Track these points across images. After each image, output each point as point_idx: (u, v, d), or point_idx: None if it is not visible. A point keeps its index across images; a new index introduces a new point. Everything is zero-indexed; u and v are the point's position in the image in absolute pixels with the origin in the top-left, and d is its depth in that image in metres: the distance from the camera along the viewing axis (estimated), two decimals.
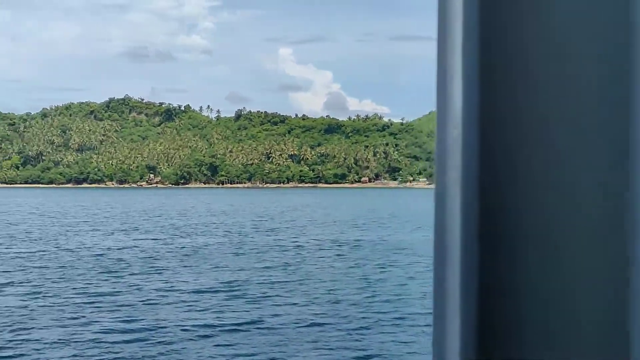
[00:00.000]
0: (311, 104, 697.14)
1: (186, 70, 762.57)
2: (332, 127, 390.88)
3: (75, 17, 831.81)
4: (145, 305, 24.72)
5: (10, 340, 19.32)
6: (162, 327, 21.18)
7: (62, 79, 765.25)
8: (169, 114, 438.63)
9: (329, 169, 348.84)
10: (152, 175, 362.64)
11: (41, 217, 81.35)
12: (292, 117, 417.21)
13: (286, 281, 30.49)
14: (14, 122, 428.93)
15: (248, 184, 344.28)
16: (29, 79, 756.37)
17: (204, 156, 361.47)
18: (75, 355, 17.88)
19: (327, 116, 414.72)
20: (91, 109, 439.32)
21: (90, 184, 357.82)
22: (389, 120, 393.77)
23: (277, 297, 26.75)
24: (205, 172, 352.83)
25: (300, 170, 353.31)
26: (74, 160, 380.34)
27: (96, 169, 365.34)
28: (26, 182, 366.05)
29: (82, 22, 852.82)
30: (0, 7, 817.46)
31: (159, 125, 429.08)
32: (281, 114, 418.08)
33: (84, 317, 22.70)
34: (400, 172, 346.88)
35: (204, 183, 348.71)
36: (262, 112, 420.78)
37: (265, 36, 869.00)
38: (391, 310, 23.96)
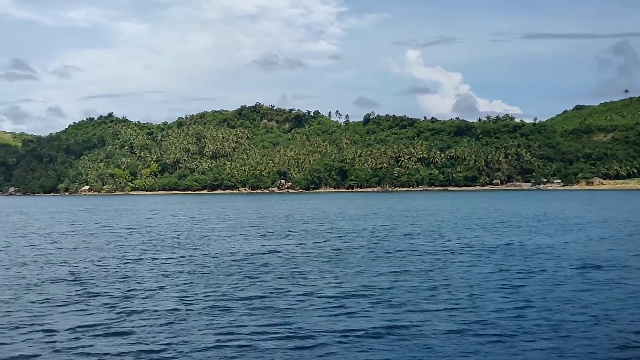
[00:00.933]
0: (440, 106, 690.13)
1: (315, 76, 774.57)
2: (461, 129, 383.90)
3: (210, 29, 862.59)
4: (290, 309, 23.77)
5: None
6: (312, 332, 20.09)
7: (196, 88, 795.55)
8: (298, 119, 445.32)
9: (459, 172, 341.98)
10: (283, 181, 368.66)
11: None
12: (421, 119, 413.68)
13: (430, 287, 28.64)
14: (152, 131, 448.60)
15: (377, 188, 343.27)
16: (166, 90, 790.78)
17: (334, 161, 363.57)
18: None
19: (456, 118, 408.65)
20: (224, 117, 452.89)
21: (224, 190, 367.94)
22: (521, 120, 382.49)
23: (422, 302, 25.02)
24: (335, 176, 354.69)
25: (430, 173, 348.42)
26: (208, 167, 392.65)
27: (229, 175, 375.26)
28: (164, 189, 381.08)
29: (216, 33, 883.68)
30: (139, 21, 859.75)
31: (289, 131, 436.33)
32: (410, 117, 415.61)
33: (235, 320, 21.91)
34: (533, 173, 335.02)
35: (334, 187, 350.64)
36: (390, 116, 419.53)
37: (393, 39, 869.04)
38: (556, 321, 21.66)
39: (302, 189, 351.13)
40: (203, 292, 27.57)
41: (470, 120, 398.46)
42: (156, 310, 23.65)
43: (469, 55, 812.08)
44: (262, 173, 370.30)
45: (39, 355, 17.93)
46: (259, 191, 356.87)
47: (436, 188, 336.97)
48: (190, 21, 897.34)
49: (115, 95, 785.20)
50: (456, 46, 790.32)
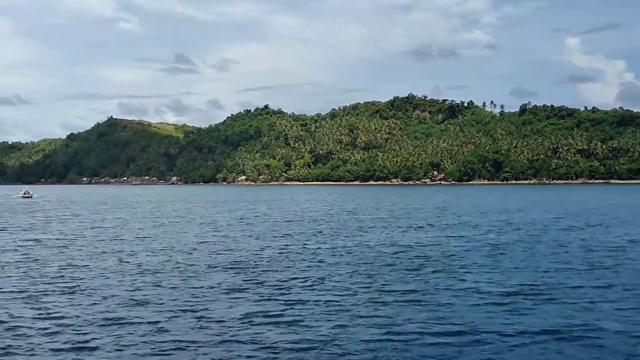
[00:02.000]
0: (601, 96, 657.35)
1: (469, 66, 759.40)
2: (625, 119, 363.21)
3: (363, 20, 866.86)
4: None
5: None
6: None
7: (349, 80, 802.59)
8: (452, 110, 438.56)
9: (623, 164, 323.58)
10: (435, 172, 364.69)
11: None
12: (581, 109, 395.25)
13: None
14: (306, 123, 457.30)
15: (534, 181, 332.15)
16: (320, 82, 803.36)
17: (488, 152, 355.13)
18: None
19: (619, 108, 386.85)
20: (376, 108, 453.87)
21: (375, 181, 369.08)
22: None
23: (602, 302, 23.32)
24: (489, 168, 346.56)
25: (590, 166, 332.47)
26: (360, 158, 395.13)
27: (382, 167, 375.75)
28: (317, 180, 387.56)
29: (369, 24, 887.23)
30: (293, 14, 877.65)
31: (442, 122, 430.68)
32: (569, 107, 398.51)
33: (397, 314, 21.39)
34: None
35: (488, 179, 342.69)
36: (548, 106, 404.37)
37: (551, 27, 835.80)
38: None
39: (455, 181, 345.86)
40: (363, 284, 27.27)
41: (635, 110, 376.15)
42: (318, 301, 23.55)
43: (633, 42, 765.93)
44: (415, 164, 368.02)
45: (209, 341, 18.20)
46: (411, 182, 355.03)
47: (596, 181, 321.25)
48: (343, 13, 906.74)
49: (270, 87, 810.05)
50: (620, 33, 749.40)
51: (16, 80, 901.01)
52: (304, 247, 41.62)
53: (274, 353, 17.15)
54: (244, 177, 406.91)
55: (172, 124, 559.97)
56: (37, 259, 36.13)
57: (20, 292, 25.82)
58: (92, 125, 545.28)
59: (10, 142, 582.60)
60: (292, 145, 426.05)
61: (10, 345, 17.72)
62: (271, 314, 21.56)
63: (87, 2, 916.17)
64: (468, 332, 19.18)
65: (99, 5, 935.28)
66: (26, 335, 18.88)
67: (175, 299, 24.13)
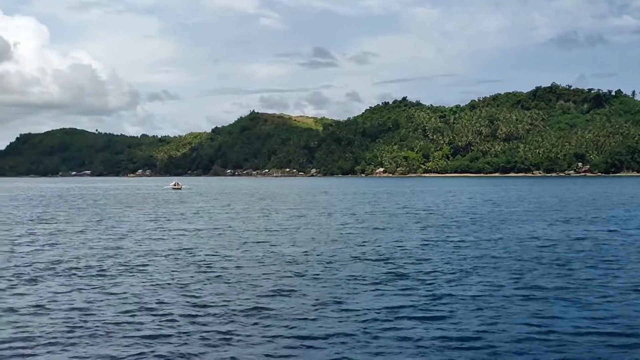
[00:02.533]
0: None
1: (617, 53, 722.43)
2: None
3: (503, 9, 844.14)
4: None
5: None
6: None
7: (488, 70, 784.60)
8: (598, 100, 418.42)
9: None
10: (580, 164, 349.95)
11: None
12: None
13: None
14: (445, 114, 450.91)
15: None
16: (458, 73, 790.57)
17: (637, 143, 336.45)
18: None
19: None
20: (518, 99, 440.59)
21: (516, 173, 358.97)
22: None
23: None
24: (638, 159, 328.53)
25: None
26: (501, 149, 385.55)
27: (523, 158, 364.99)
28: (455, 172, 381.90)
29: (509, 13, 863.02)
30: (431, 6, 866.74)
31: (588, 111, 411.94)
32: None
33: (547, 311, 20.43)
34: None
35: (637, 171, 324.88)
36: None
37: None
38: None
39: (601, 173, 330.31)
40: (509, 278, 26.32)
41: None
42: (464, 296, 22.89)
43: None
44: (558, 156, 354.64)
45: (354, 334, 18.03)
46: (553, 174, 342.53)
47: None
48: (482, 3, 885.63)
49: (408, 79, 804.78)
50: None
51: (164, 77, 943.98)
52: (447, 240, 40.87)
53: (421, 349, 16.72)
54: (382, 169, 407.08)
55: (311, 117, 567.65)
56: (187, 248, 37.46)
57: (170, 280, 26.75)
58: (236, 119, 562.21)
59: (159, 136, 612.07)
60: (431, 137, 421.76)
61: (161, 334, 18.27)
62: (416, 307, 21.15)
63: (231, 0, 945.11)
64: (628, 334, 17.99)
65: (242, 3, 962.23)
66: (176, 323, 19.44)
67: (318, 290, 24.18)
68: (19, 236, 44.89)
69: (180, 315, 20.23)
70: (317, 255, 33.92)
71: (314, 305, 21.51)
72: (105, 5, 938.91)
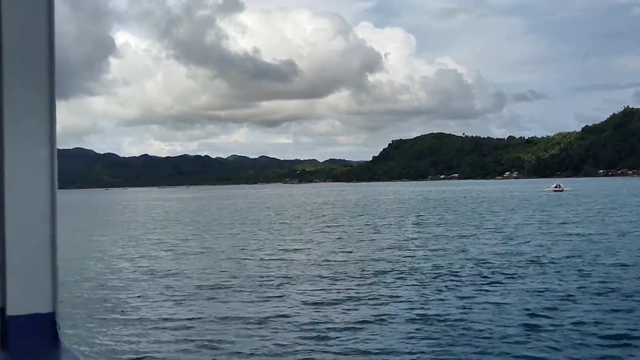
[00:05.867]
0: None
1: None
2: None
3: None
4: None
5: None
6: None
7: None
8: None
9: None
10: None
11: None
12: None
13: None
14: None
15: None
16: None
17: None
18: None
19: None
20: None
21: None
22: None
23: None
24: None
25: None
26: None
27: None
28: None
29: None
30: None
31: None
32: None
33: None
34: None
35: None
36: None
37: None
38: None
39: None
40: None
41: None
42: None
43: None
44: None
45: None
46: None
47: None
48: None
49: None
50: None
51: (530, 76, 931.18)
52: None
53: None
54: None
55: None
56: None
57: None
58: (607, 117, 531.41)
59: (526, 137, 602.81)
60: None
61: None
62: None
63: None
64: None
65: None
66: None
67: None
68: (405, 240, 46.51)
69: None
70: None
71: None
72: (469, 10, 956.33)
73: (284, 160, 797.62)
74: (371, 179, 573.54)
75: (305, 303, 23.35)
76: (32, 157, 1.66)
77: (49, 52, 1.66)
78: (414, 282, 27.47)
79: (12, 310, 1.59)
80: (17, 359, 1.58)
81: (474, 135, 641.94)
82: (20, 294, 1.61)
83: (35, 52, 1.65)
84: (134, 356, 17.32)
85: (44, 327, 1.62)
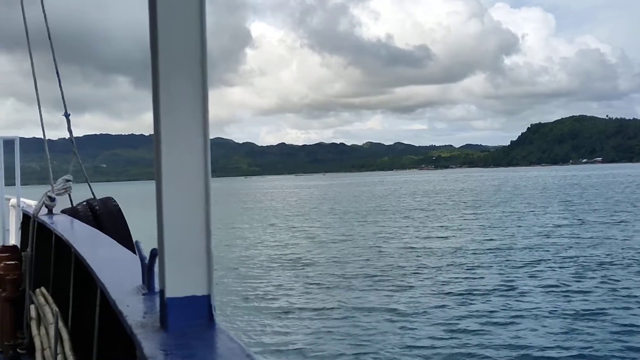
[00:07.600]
0: None
1: None
2: None
3: None
4: None
5: None
6: None
7: None
8: None
9: None
10: None
11: None
12: None
13: None
14: None
15: None
16: None
17: None
18: None
19: None
20: None
21: None
22: None
23: None
24: None
25: None
26: None
27: None
28: None
29: None
30: None
31: None
32: None
33: None
34: None
35: None
36: None
37: None
38: None
39: None
40: None
41: None
42: None
43: None
44: None
45: None
46: None
47: None
48: None
49: None
50: None
51: None
52: None
53: None
54: None
55: None
56: None
57: None
58: None
59: None
60: None
61: None
62: None
63: None
64: None
65: None
66: None
67: None
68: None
69: None
70: None
71: None
72: None
73: (419, 146, 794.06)
74: (509, 163, 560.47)
75: (446, 294, 22.40)
76: (187, 145, 1.82)
77: (201, 44, 1.80)
78: (569, 274, 25.74)
79: (170, 292, 1.74)
80: (176, 338, 1.72)
81: (619, 117, 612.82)
82: (178, 277, 1.76)
83: (189, 43, 1.79)
84: (277, 340, 17.40)
85: (201, 308, 1.77)
